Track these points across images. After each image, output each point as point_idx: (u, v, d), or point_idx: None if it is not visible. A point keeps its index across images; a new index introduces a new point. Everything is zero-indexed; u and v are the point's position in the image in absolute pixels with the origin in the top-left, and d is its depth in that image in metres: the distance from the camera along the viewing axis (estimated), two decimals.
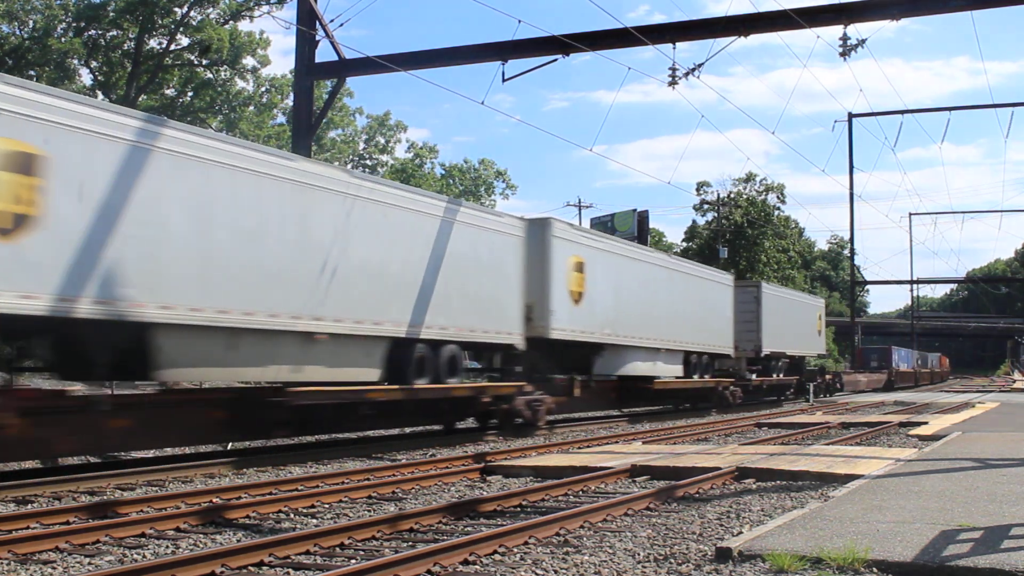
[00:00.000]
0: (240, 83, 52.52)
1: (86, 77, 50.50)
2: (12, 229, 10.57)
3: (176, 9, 48.46)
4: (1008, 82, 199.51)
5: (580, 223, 60.90)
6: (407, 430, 19.67)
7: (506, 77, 21.70)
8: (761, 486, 11.57)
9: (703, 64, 21.27)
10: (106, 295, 11.49)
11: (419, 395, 16.88)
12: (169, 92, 52.04)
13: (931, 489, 9.98)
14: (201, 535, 8.49)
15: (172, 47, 49.81)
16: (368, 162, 68.52)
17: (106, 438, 12.70)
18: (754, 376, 34.43)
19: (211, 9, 49.57)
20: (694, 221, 74.10)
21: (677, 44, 21.12)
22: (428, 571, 6.91)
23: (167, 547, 8.02)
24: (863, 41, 20.82)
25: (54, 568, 7.19)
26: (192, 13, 49.03)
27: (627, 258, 24.72)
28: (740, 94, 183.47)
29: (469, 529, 8.72)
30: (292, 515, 9.68)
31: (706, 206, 72.12)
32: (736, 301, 32.43)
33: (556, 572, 7.00)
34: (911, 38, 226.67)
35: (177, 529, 8.72)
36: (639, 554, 7.56)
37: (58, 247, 11.05)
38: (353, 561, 7.25)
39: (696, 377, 28.72)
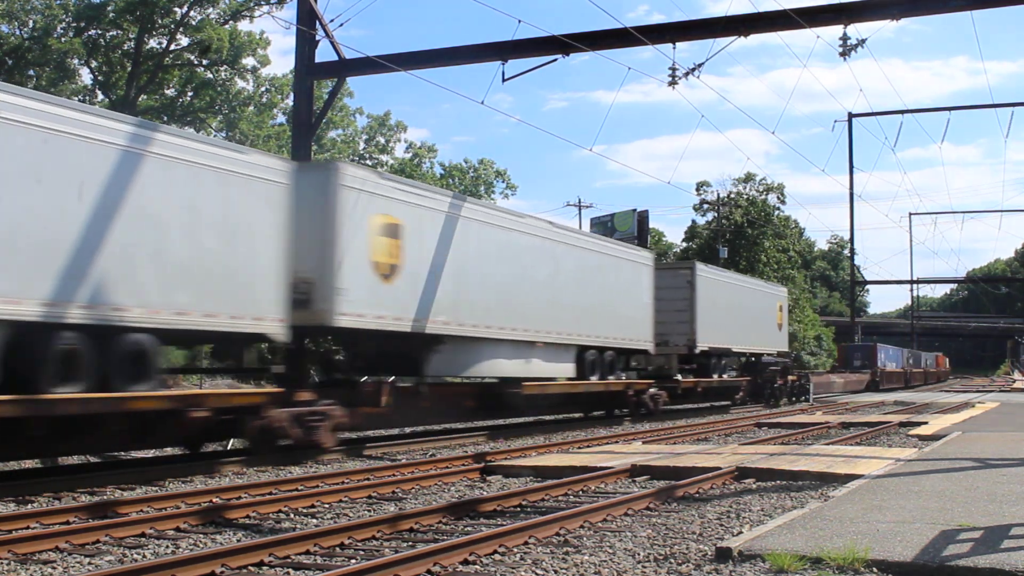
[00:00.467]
0: (240, 83, 52.52)
1: (86, 77, 50.51)
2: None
3: (176, 9, 48.44)
4: (1007, 82, 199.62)
5: (580, 223, 61.01)
6: None
7: (506, 77, 21.68)
8: (761, 486, 11.57)
9: (703, 64, 21.26)
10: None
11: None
12: (169, 92, 52.04)
13: (931, 489, 9.98)
14: (201, 535, 8.49)
15: (172, 47, 49.80)
16: (368, 162, 68.52)
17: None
18: (680, 377, 28.55)
19: (211, 9, 49.56)
20: (694, 221, 74.14)
21: (677, 44, 21.12)
22: (428, 571, 6.90)
23: (167, 547, 8.02)
24: (863, 41, 20.82)
25: (54, 568, 7.19)
26: (192, 13, 49.01)
27: (479, 223, 18.80)
28: (740, 94, 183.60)
29: (469, 529, 8.72)
30: (292, 515, 9.68)
31: (706, 206, 72.14)
32: (661, 285, 27.21)
33: (556, 572, 7.00)
34: (910, 38, 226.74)
35: (177, 529, 8.73)
36: (639, 554, 7.56)
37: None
38: (353, 561, 7.25)
39: (595, 379, 23.19)
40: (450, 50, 22.87)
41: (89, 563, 7.42)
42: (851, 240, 64.31)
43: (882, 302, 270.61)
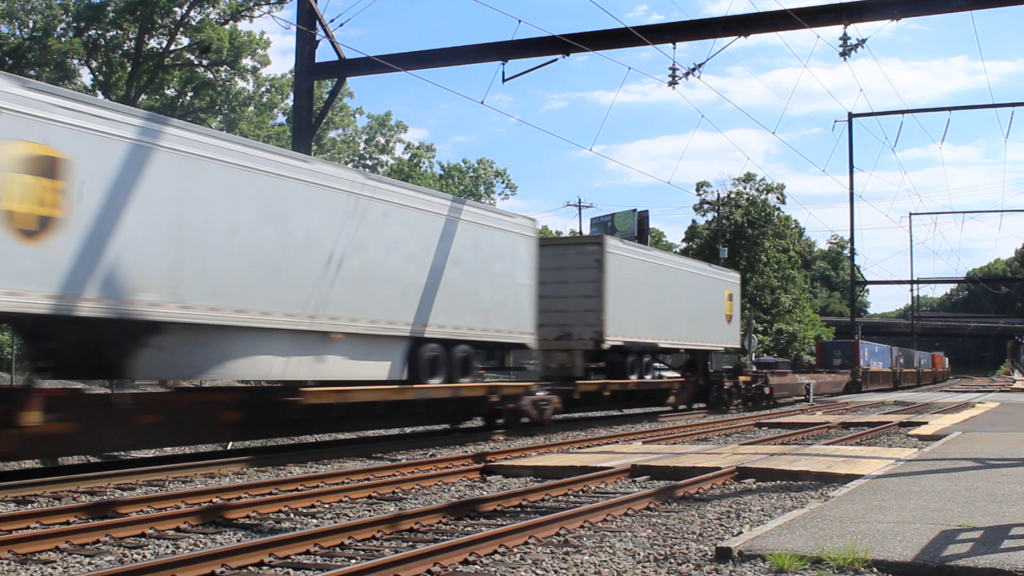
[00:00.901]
0: (240, 83, 52.55)
1: (86, 77, 50.52)
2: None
3: (176, 9, 48.46)
4: (1006, 82, 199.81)
5: (580, 223, 61.02)
6: None
7: (506, 77, 21.74)
8: (761, 486, 11.57)
9: (703, 64, 21.30)
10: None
11: None
12: (169, 92, 52.06)
13: (931, 489, 9.98)
14: (201, 535, 8.49)
15: (172, 47, 49.82)
16: (368, 162, 68.53)
17: None
18: (578, 382, 22.81)
19: (211, 9, 49.58)
20: (694, 221, 74.18)
21: (677, 44, 21.15)
22: (428, 571, 6.91)
23: (167, 547, 8.02)
24: (863, 41, 20.85)
25: (54, 568, 7.19)
26: (192, 13, 49.03)
27: (222, 164, 13.46)
28: (739, 94, 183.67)
29: (469, 529, 8.72)
30: (292, 515, 9.68)
31: (706, 206, 72.18)
32: (561, 265, 23.22)
33: (556, 572, 7.00)
34: (909, 38, 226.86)
35: (177, 529, 8.73)
36: (639, 554, 7.56)
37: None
38: (353, 561, 7.25)
39: (437, 381, 17.49)
40: (450, 50, 22.90)
41: (89, 563, 7.42)
42: (851, 240, 64.33)
43: (882, 302, 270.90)
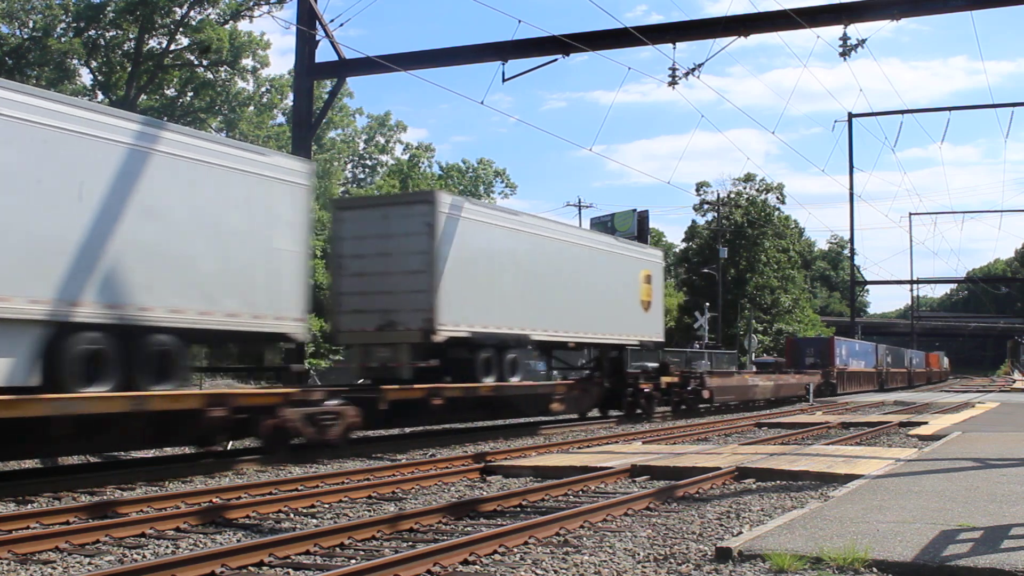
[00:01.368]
0: (240, 83, 52.57)
1: (86, 77, 50.55)
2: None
3: (176, 9, 48.50)
4: (1006, 82, 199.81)
5: (580, 224, 61.01)
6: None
7: (506, 77, 21.76)
8: (761, 486, 11.57)
9: (703, 64, 21.32)
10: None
11: None
12: (169, 92, 52.08)
13: (931, 489, 9.98)
14: (201, 535, 8.49)
15: (172, 47, 49.84)
16: (368, 162, 68.56)
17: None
18: (386, 387, 16.49)
19: (211, 9, 49.60)
20: (694, 221, 74.23)
21: (677, 44, 21.17)
22: (428, 571, 6.90)
23: (167, 547, 8.02)
24: (863, 41, 20.87)
25: (54, 568, 7.19)
26: (192, 13, 49.06)
27: None
28: (739, 94, 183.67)
29: (469, 529, 8.72)
30: (292, 515, 9.68)
31: (706, 206, 72.21)
32: (376, 232, 17.98)
33: (556, 572, 7.00)
34: (908, 38, 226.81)
35: (177, 529, 8.73)
36: (639, 554, 7.56)
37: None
38: (353, 561, 7.25)
39: (104, 388, 11.93)
40: (450, 50, 22.91)
41: (89, 563, 7.42)
42: (851, 240, 64.41)
43: (882, 302, 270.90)
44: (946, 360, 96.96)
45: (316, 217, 34.69)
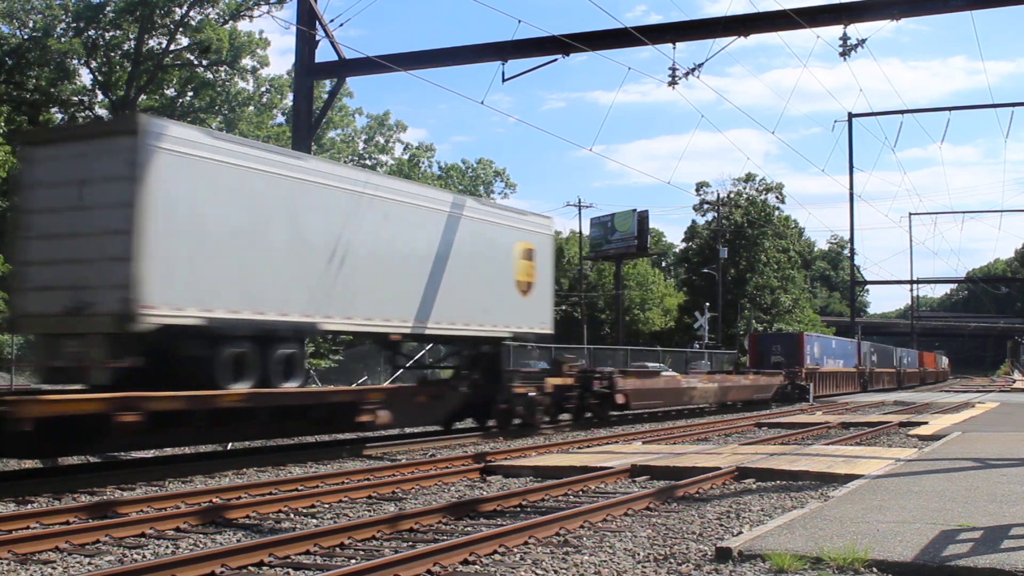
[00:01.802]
0: (240, 83, 52.56)
1: (86, 77, 50.52)
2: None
3: (176, 9, 48.49)
4: (1006, 82, 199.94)
5: (580, 223, 61.03)
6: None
7: (506, 77, 21.75)
8: (761, 486, 11.56)
9: (703, 64, 21.30)
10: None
11: None
12: (169, 92, 52.07)
13: (931, 489, 9.98)
14: (201, 535, 8.49)
15: (172, 47, 49.83)
16: (368, 162, 68.52)
17: None
18: (26, 401, 11.09)
19: (211, 9, 49.59)
20: (694, 221, 74.27)
21: (676, 44, 21.16)
22: (428, 571, 6.90)
23: (167, 547, 8.02)
24: (863, 41, 20.85)
25: (54, 568, 7.19)
26: (192, 13, 49.05)
27: None
28: (738, 94, 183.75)
29: (469, 529, 8.72)
30: (292, 515, 9.68)
31: (706, 206, 72.23)
32: (69, 178, 12.75)
33: (556, 572, 7.00)
34: (908, 38, 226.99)
35: (177, 529, 8.72)
36: (639, 554, 7.56)
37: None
38: (353, 561, 7.25)
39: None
40: (450, 50, 22.90)
41: (89, 563, 7.42)
42: (851, 240, 64.35)
43: (882, 302, 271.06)
44: (946, 360, 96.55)
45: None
